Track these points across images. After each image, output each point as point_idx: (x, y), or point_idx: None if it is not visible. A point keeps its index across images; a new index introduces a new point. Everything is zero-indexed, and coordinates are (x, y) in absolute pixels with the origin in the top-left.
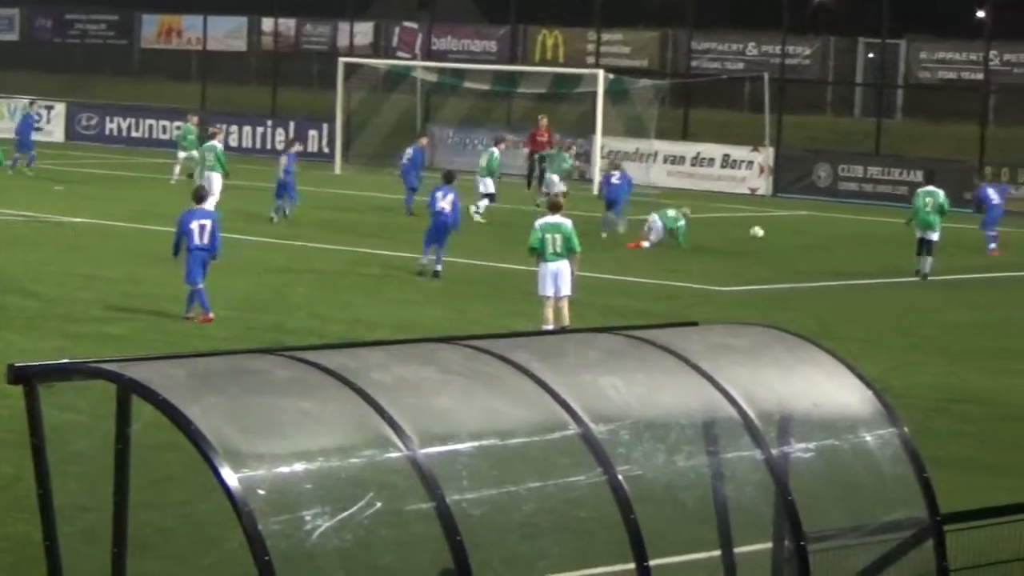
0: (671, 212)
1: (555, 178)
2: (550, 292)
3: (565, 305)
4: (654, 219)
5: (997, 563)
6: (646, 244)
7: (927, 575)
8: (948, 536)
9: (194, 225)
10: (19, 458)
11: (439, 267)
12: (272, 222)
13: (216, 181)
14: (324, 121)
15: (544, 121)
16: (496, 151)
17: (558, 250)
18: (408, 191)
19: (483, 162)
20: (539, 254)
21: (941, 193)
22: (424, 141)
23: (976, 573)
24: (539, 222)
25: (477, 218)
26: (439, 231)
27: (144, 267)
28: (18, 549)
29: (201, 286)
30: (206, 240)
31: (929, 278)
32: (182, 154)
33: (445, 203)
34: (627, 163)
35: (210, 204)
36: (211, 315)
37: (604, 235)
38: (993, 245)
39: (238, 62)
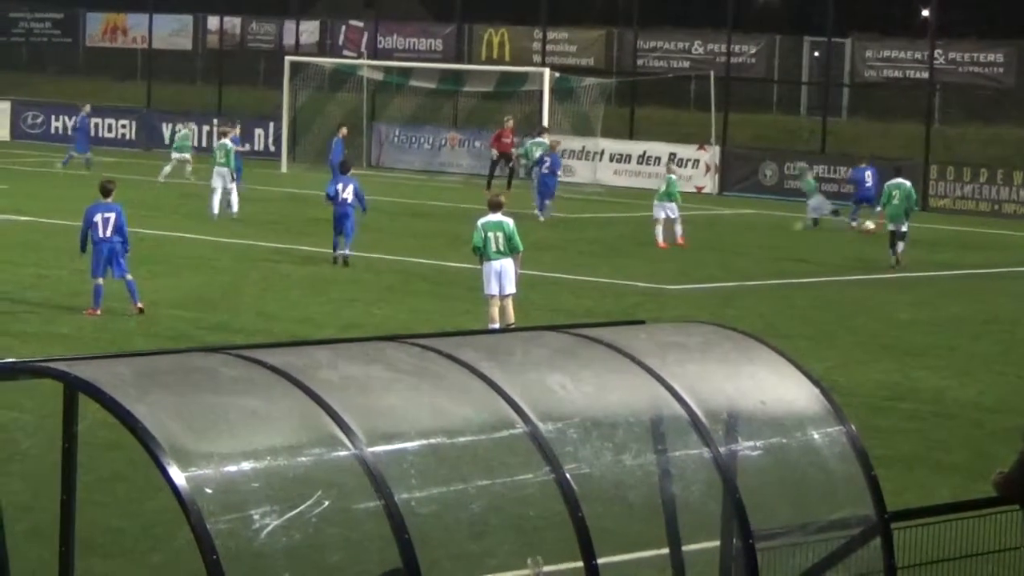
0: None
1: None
2: (495, 291)
3: (510, 303)
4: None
5: (944, 560)
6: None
7: (874, 573)
8: (895, 534)
9: (98, 218)
10: None
11: (348, 252)
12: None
13: (224, 178)
14: (270, 120)
15: (510, 122)
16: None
17: (501, 248)
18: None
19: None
20: (482, 253)
21: (908, 184)
22: (344, 132)
23: (923, 571)
24: (481, 221)
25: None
26: (342, 220)
27: (88, 265)
28: None
29: (129, 277)
30: (110, 233)
31: (899, 266)
32: (175, 155)
33: (347, 193)
34: (574, 162)
35: (216, 201)
36: (140, 306)
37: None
38: (855, 223)
39: (184, 61)
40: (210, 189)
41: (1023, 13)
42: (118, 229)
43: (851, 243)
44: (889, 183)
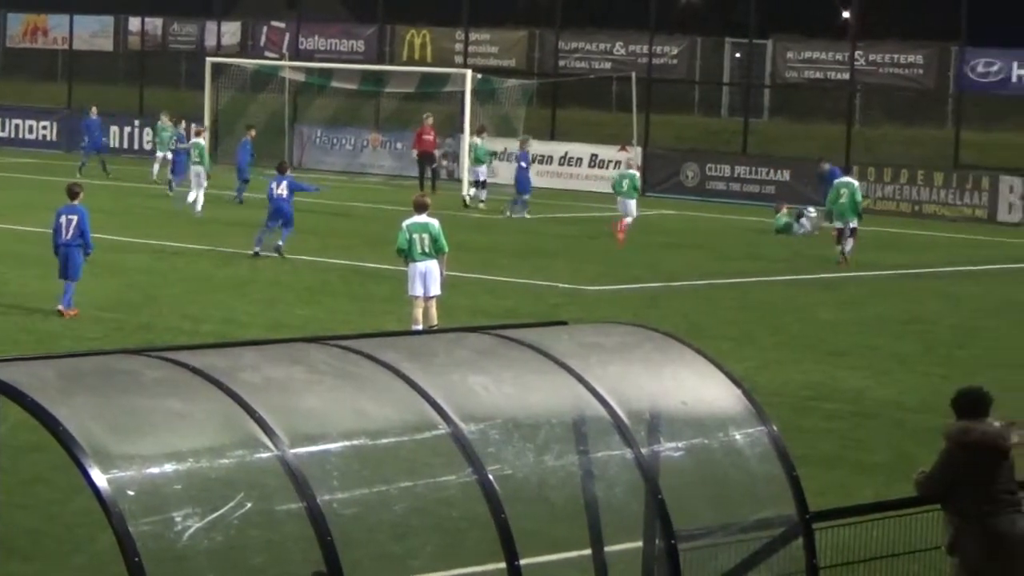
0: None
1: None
2: (419, 292)
3: (433, 305)
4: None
5: (865, 560)
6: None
7: (797, 572)
8: (817, 534)
9: (62, 220)
10: None
11: (282, 243)
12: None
13: (201, 176)
14: (192, 121)
15: (430, 119)
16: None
17: (426, 250)
18: (241, 183)
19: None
20: (407, 255)
21: (856, 184)
22: (252, 134)
23: (845, 570)
24: (406, 222)
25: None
26: (278, 216)
27: (12, 267)
28: None
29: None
30: (70, 235)
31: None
32: (160, 154)
33: (281, 189)
34: (496, 163)
35: (192, 198)
36: (63, 310)
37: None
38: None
39: (105, 61)
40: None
41: (943, 15)
42: (81, 232)
43: (776, 244)
44: (838, 181)
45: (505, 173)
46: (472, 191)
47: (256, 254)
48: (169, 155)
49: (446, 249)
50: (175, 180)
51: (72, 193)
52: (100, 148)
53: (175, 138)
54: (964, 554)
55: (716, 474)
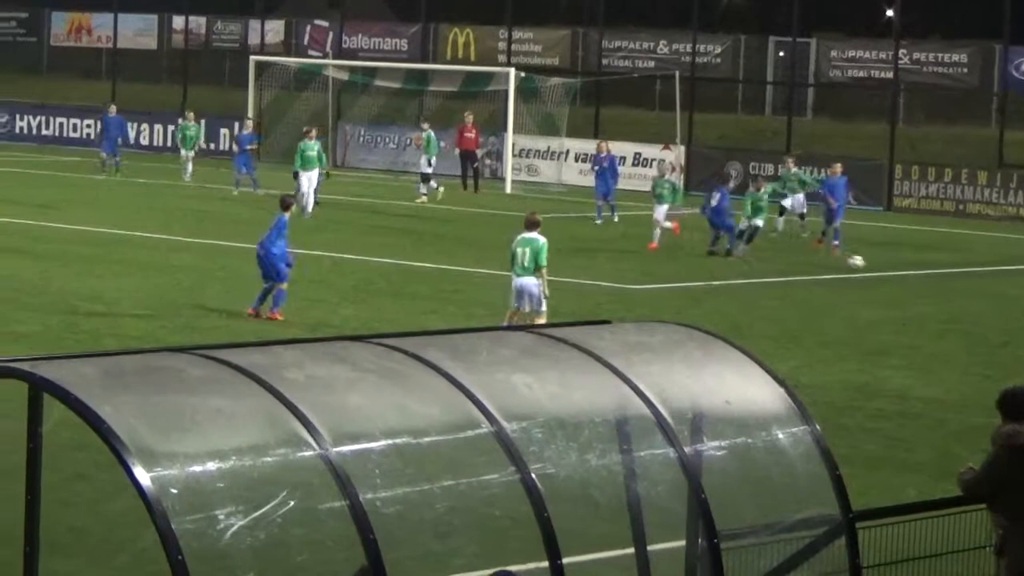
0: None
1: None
2: (514, 305)
3: (538, 321)
4: None
5: (909, 560)
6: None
7: (839, 572)
8: (860, 533)
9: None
10: None
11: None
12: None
13: (311, 179)
14: (236, 119)
15: (470, 118)
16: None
17: (526, 264)
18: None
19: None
20: (512, 268)
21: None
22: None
23: (888, 570)
24: (518, 236)
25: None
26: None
27: (56, 265)
28: None
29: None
30: (268, 237)
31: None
32: (184, 152)
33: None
34: (538, 161)
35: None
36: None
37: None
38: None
39: (149, 60)
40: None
41: (986, 14)
42: (277, 235)
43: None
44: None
45: (548, 172)
46: (424, 187)
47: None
48: (192, 154)
49: (543, 264)
50: (244, 177)
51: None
52: (115, 146)
53: (239, 139)
54: (1013, 556)
55: (759, 473)
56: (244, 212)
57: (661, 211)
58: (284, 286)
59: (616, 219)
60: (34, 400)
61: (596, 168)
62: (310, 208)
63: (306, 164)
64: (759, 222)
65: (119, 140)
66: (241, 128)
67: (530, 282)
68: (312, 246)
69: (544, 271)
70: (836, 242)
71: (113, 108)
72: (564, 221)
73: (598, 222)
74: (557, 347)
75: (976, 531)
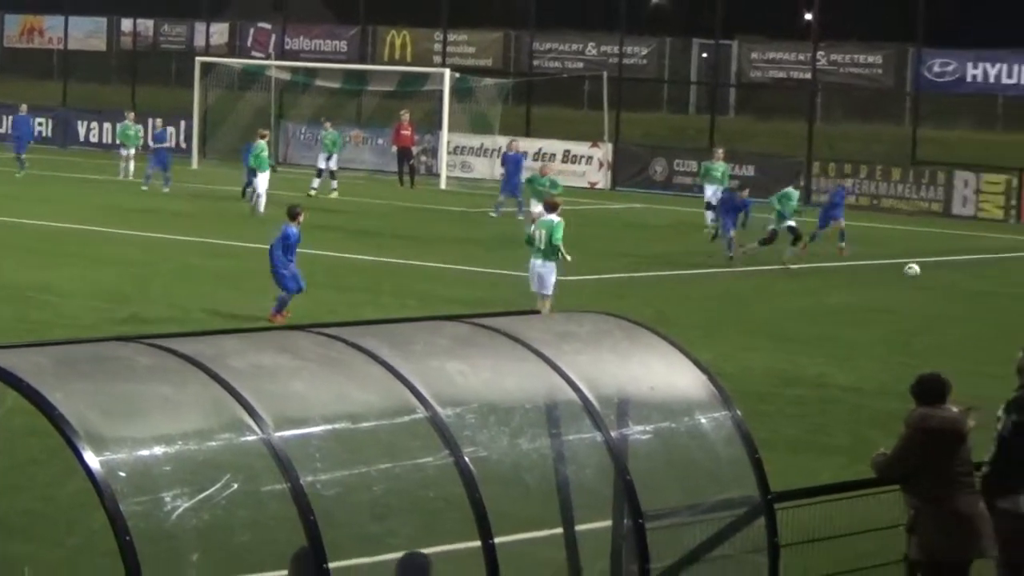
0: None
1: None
2: (535, 288)
3: (546, 303)
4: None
5: (825, 539)
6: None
7: (759, 550)
8: (779, 513)
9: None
10: None
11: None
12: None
13: (265, 179)
14: (182, 118)
15: (406, 116)
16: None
17: (542, 246)
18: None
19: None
20: (530, 248)
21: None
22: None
23: (805, 548)
24: (540, 218)
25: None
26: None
27: (6, 259)
28: None
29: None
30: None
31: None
32: (124, 151)
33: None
34: (472, 158)
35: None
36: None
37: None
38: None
39: (99, 61)
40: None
41: (900, 18)
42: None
43: (741, 236)
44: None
45: (482, 168)
46: (317, 181)
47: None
48: (132, 153)
49: (556, 241)
50: (153, 173)
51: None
52: (24, 146)
53: (151, 135)
54: (922, 533)
55: (682, 456)
56: (186, 206)
57: (538, 208)
58: (283, 293)
59: (521, 217)
60: None
61: (505, 165)
62: (262, 208)
63: (260, 164)
64: (787, 224)
65: (27, 140)
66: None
67: (542, 266)
68: (257, 240)
69: (560, 246)
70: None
71: (24, 107)
72: (497, 215)
73: (493, 215)
74: (490, 336)
75: (889, 511)
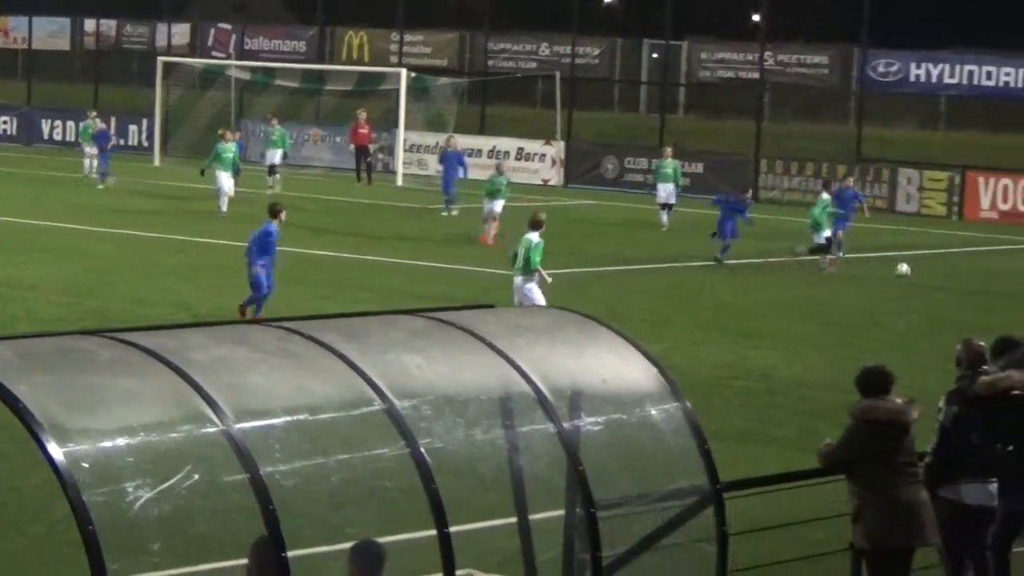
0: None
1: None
2: (515, 300)
3: None
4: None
5: (773, 527)
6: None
7: (708, 539)
8: (727, 503)
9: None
10: None
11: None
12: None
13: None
14: (144, 116)
15: (363, 115)
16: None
17: (519, 264)
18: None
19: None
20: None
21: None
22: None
23: (753, 537)
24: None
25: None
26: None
27: None
28: None
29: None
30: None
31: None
32: (88, 149)
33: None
34: (429, 156)
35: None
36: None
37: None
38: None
39: (62, 60)
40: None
41: (846, 18)
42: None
43: (685, 232)
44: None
45: (437, 166)
46: (271, 179)
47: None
48: (95, 150)
49: (532, 262)
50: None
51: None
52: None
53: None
54: (867, 522)
55: (633, 447)
56: (149, 203)
57: (496, 206)
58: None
59: (454, 213)
60: None
61: (443, 163)
62: (224, 207)
63: (224, 164)
64: (824, 234)
65: None
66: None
67: (521, 282)
68: (219, 236)
69: (539, 270)
70: (839, 253)
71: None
72: (449, 214)
73: (445, 215)
74: (445, 330)
75: (835, 500)
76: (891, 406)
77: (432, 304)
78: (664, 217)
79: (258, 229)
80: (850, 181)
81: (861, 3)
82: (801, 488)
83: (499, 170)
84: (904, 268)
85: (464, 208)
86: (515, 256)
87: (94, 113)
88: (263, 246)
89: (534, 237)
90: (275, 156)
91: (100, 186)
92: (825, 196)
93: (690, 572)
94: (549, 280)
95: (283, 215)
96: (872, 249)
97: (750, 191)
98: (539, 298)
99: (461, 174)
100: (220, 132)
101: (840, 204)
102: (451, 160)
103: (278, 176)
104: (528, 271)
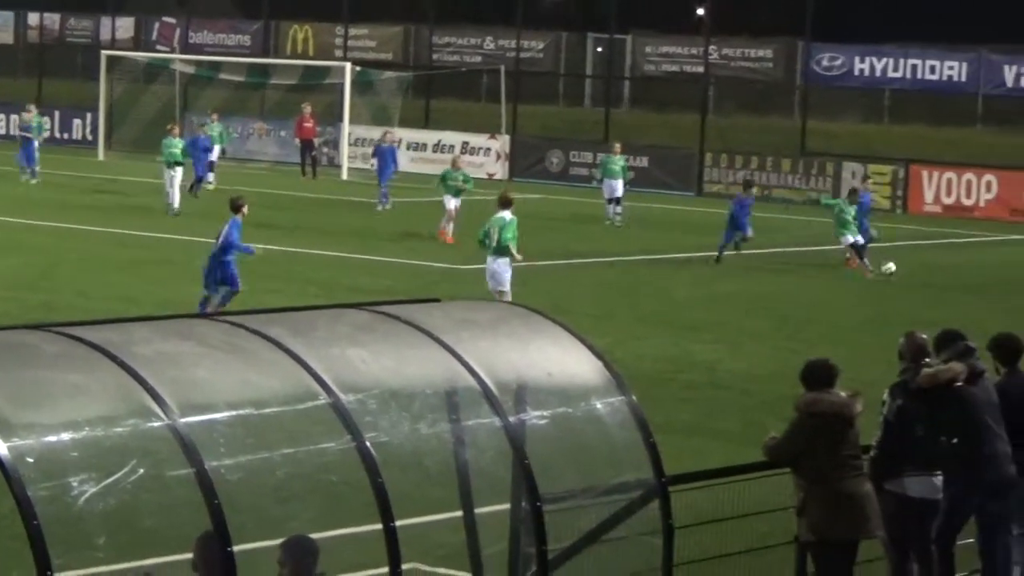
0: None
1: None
2: (490, 286)
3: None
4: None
5: (718, 521)
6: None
7: (653, 532)
8: (673, 496)
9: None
10: None
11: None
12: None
13: (176, 175)
14: (88, 110)
15: (308, 109)
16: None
17: (493, 244)
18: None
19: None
20: (482, 247)
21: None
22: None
23: (699, 530)
24: (492, 217)
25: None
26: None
27: None
28: None
29: None
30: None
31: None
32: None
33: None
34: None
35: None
36: None
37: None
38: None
39: (5, 54)
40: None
41: (790, 13)
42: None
43: (633, 226)
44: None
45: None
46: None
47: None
48: (37, 144)
49: (506, 240)
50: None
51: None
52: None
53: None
54: (811, 515)
55: (579, 441)
56: (92, 198)
57: (454, 203)
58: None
59: (388, 207)
60: None
61: (377, 157)
62: (176, 204)
63: (171, 160)
64: (851, 238)
65: None
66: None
67: (494, 263)
68: (164, 230)
69: (512, 247)
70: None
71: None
72: (397, 206)
73: (379, 209)
74: (390, 323)
75: (780, 493)
76: (835, 399)
77: (377, 298)
78: (612, 212)
79: (224, 227)
80: (867, 185)
81: None
82: (746, 481)
83: (454, 165)
84: (891, 266)
85: (401, 203)
86: (485, 235)
87: (32, 106)
88: (231, 243)
89: (507, 215)
90: (213, 153)
91: (24, 179)
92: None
93: (636, 565)
94: (519, 257)
95: (245, 209)
96: (816, 243)
97: (753, 187)
98: (506, 278)
99: (394, 168)
100: (168, 127)
101: (860, 211)
102: (386, 155)
103: (213, 172)
104: (501, 250)
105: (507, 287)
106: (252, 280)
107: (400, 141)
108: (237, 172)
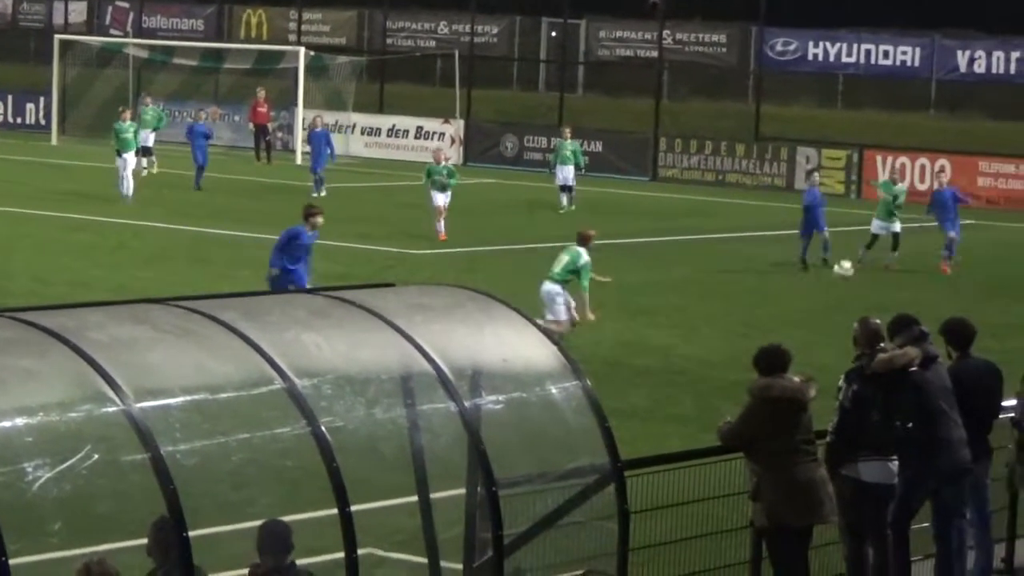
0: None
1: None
2: (548, 315)
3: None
4: None
5: (674, 505)
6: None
7: (609, 517)
8: (628, 480)
9: None
10: None
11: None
12: None
13: (128, 161)
14: (41, 95)
15: (262, 93)
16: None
17: (556, 271)
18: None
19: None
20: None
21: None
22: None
23: (655, 515)
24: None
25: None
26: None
27: None
28: None
29: None
30: None
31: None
32: None
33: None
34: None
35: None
36: None
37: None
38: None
39: None
40: None
41: None
42: None
43: (587, 210)
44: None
45: (337, 145)
46: (145, 160)
47: None
48: None
49: (582, 288)
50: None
51: None
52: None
53: None
54: (765, 500)
55: (534, 426)
56: (46, 182)
57: (442, 199)
58: None
59: (323, 193)
60: None
61: (311, 142)
62: (131, 192)
63: (123, 146)
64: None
65: None
66: None
67: (551, 289)
68: (118, 215)
69: (584, 295)
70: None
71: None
72: (351, 191)
73: (314, 195)
74: (345, 308)
75: (735, 478)
76: (788, 384)
77: (332, 283)
78: (564, 199)
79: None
80: (943, 180)
81: None
82: (701, 466)
83: (436, 158)
84: (846, 267)
85: (355, 188)
86: (558, 263)
87: None
88: (288, 249)
89: (584, 254)
90: (148, 138)
91: None
92: (900, 186)
93: (591, 550)
94: (593, 318)
95: (318, 220)
96: (770, 228)
97: (815, 174)
98: (564, 314)
99: (329, 154)
100: (120, 110)
101: (941, 208)
102: (318, 140)
103: (153, 158)
104: (564, 280)
105: (562, 317)
106: (206, 265)
107: (335, 124)
108: (189, 157)
